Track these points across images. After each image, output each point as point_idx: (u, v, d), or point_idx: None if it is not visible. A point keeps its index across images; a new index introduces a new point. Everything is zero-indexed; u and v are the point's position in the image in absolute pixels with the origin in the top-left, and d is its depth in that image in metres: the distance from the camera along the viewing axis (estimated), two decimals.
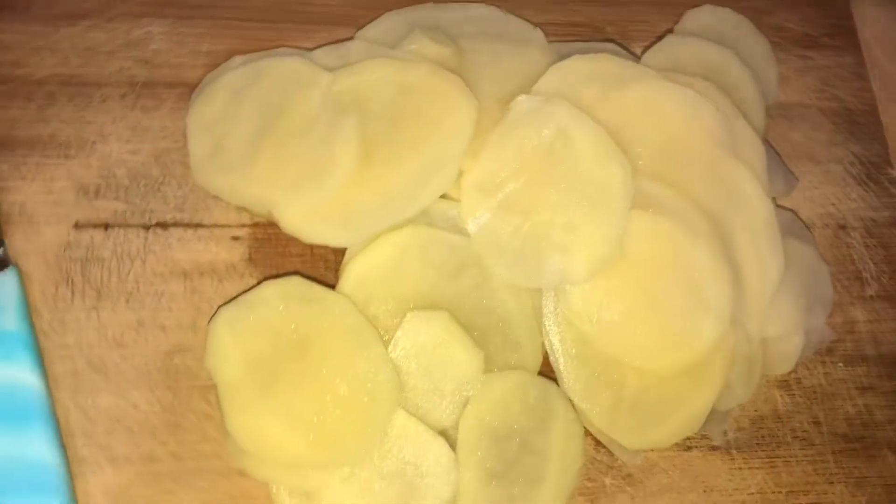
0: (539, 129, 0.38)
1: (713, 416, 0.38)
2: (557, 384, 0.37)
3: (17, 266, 0.35)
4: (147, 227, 0.38)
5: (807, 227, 0.44)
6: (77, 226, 0.37)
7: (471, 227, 0.37)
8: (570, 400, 0.37)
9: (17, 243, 0.36)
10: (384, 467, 0.34)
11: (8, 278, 0.34)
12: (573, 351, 0.37)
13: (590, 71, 0.41)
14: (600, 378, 0.37)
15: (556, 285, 0.37)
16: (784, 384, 0.41)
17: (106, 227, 0.37)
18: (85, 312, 0.36)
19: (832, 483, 0.40)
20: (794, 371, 0.41)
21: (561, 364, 0.37)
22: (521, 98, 0.39)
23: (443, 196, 0.38)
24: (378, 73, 0.39)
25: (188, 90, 0.41)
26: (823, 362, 0.42)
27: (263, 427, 0.33)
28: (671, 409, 0.38)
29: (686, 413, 0.38)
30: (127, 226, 0.38)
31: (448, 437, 0.35)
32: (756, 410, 0.40)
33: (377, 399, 0.34)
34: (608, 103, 0.40)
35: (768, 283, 0.40)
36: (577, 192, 0.38)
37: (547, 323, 0.37)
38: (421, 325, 0.36)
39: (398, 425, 0.34)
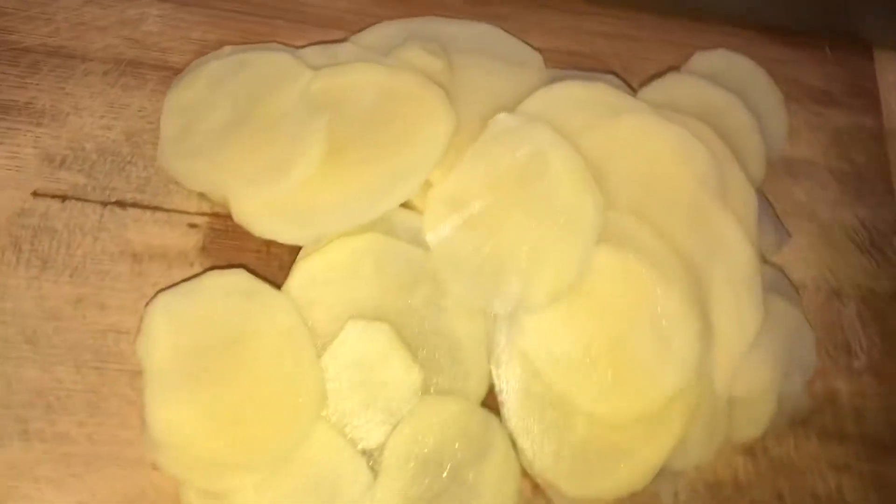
0: (515, 149, 0.37)
1: (665, 473, 0.36)
2: (500, 418, 0.35)
3: None
4: (105, 204, 0.37)
5: (797, 288, 0.42)
6: (35, 194, 0.37)
7: (431, 239, 0.36)
8: (510, 436, 0.35)
9: None
10: (299, 479, 0.32)
11: None
12: (521, 384, 0.35)
13: (581, 97, 0.40)
14: (547, 416, 0.35)
15: (512, 310, 0.35)
16: (749, 451, 0.39)
17: (64, 198, 0.37)
18: (26, 281, 0.35)
19: None
20: (762, 438, 0.38)
21: (506, 396, 0.35)
22: (502, 116, 0.37)
23: (409, 208, 0.37)
24: (361, 76, 0.39)
25: (172, 74, 0.40)
26: (796, 433, 0.39)
27: (181, 420, 0.32)
28: (620, 458, 0.35)
29: (635, 465, 0.35)
30: (85, 200, 0.37)
31: (374, 458, 0.33)
32: (714, 474, 0.38)
33: (300, 406, 0.32)
34: (595, 132, 0.39)
35: (743, 339, 0.37)
36: (546, 218, 0.36)
37: (497, 351, 0.35)
38: (361, 335, 0.34)
39: (320, 437, 0.33)
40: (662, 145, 0.39)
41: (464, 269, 0.35)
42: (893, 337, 0.42)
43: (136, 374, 0.34)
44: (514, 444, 0.35)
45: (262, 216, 0.35)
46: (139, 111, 0.39)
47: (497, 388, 0.35)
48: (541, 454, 0.35)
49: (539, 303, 0.35)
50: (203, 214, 0.38)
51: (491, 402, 0.35)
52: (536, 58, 0.44)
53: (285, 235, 0.36)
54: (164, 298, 0.34)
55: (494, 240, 0.36)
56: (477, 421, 0.35)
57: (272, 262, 0.37)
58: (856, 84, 0.49)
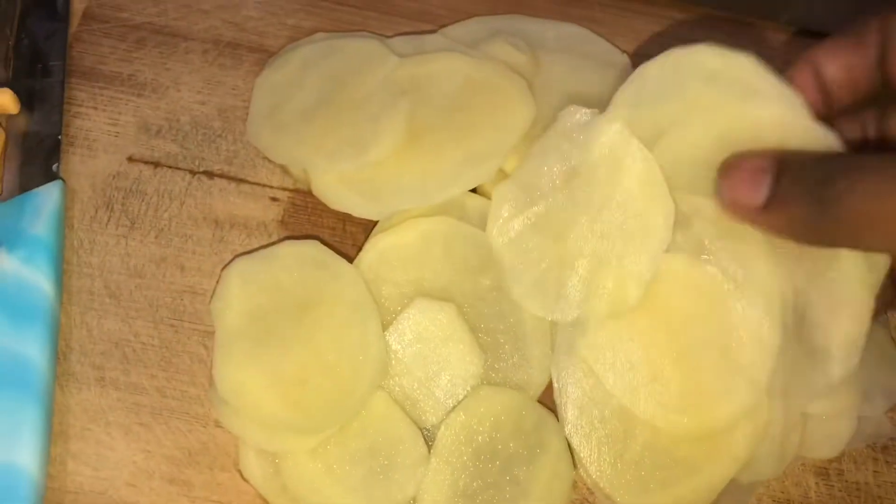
0: (585, 147, 0.35)
1: (731, 488, 0.34)
2: (557, 418, 0.34)
3: (64, 182, 0.37)
4: (193, 173, 0.39)
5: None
6: (131, 159, 0.39)
7: (495, 239, 0.36)
8: (566, 439, 0.34)
9: (73, 164, 0.38)
10: (355, 447, 0.33)
11: (52, 190, 0.36)
12: (581, 389, 0.34)
13: (712, 69, 0.33)
14: (606, 425, 0.34)
15: (573, 319, 0.35)
16: (822, 472, 0.37)
17: (156, 165, 0.39)
18: (115, 238, 0.37)
19: None
20: (838, 460, 0.37)
21: (565, 400, 0.34)
22: (573, 108, 0.36)
23: (483, 194, 0.37)
24: (444, 64, 0.39)
25: (267, 56, 0.42)
26: (876, 459, 0.37)
27: (246, 380, 0.33)
28: (681, 474, 0.34)
29: (698, 483, 0.34)
30: (176, 168, 0.39)
31: (431, 435, 0.33)
32: (784, 493, 0.36)
33: (360, 374, 0.33)
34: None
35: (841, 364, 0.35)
36: (614, 224, 0.34)
37: (558, 353, 0.35)
38: (427, 314, 0.34)
39: (379, 409, 0.33)
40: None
41: (526, 274, 0.35)
42: None
43: (209, 334, 0.35)
44: (569, 447, 0.34)
45: (338, 190, 0.36)
46: (233, 89, 0.41)
47: (555, 391, 0.34)
48: (597, 462, 0.34)
49: (601, 314, 0.34)
50: (285, 189, 0.39)
51: (549, 400, 0.35)
52: (623, 59, 0.43)
53: (358, 209, 0.36)
54: (239, 263, 0.35)
55: (559, 244, 0.35)
56: (533, 418, 0.34)
57: (346, 240, 0.38)
58: None
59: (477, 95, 0.38)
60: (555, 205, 0.36)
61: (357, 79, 0.39)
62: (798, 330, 0.34)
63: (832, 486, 0.36)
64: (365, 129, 0.37)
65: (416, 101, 0.38)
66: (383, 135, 0.37)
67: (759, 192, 0.29)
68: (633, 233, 0.34)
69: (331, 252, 0.35)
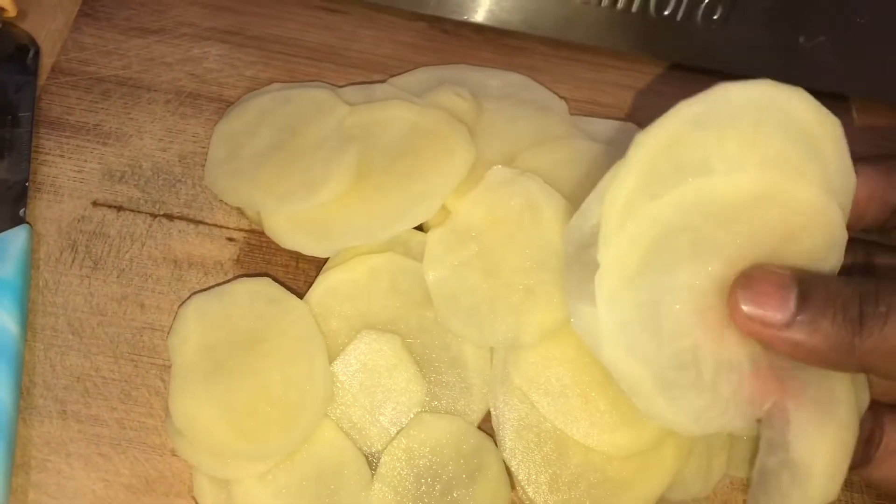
0: (510, 198, 0.39)
1: None
2: (496, 443, 0.36)
3: (31, 226, 0.39)
4: (154, 216, 0.41)
5: None
6: (95, 203, 0.41)
7: (430, 278, 0.38)
8: (505, 462, 0.36)
9: (40, 209, 0.40)
10: (302, 472, 0.34)
11: (19, 234, 0.38)
12: (516, 414, 0.36)
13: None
14: (542, 447, 0.36)
15: (507, 346, 0.37)
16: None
17: (119, 208, 0.41)
18: (79, 279, 0.39)
19: None
20: None
21: (502, 425, 0.36)
22: (497, 168, 0.40)
23: (426, 231, 0.40)
24: (391, 112, 0.42)
25: (226, 105, 0.45)
26: None
27: (199, 411, 0.35)
28: (614, 492, 0.36)
29: (629, 500, 0.36)
30: (137, 211, 0.41)
31: (376, 460, 0.35)
32: None
33: (307, 404, 0.35)
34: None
35: None
36: (540, 261, 0.38)
37: (494, 381, 0.37)
38: (372, 345, 0.37)
39: (326, 436, 0.35)
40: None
41: (460, 307, 0.37)
42: None
43: (166, 368, 0.37)
44: (507, 469, 0.36)
45: (289, 230, 0.39)
46: (193, 136, 0.44)
47: (493, 416, 0.37)
48: (534, 483, 0.36)
49: (532, 339, 0.36)
50: (241, 230, 0.41)
51: (489, 426, 0.37)
52: (561, 105, 0.46)
53: (308, 248, 0.39)
54: (195, 300, 0.38)
55: (490, 280, 0.38)
56: (472, 442, 0.36)
57: (299, 277, 0.40)
58: (885, 147, 0.50)
59: (421, 141, 0.41)
60: (484, 247, 0.39)
61: (309, 126, 0.42)
62: (781, 436, 0.32)
63: None
64: (315, 173, 0.40)
65: (364, 146, 0.41)
66: (332, 178, 0.39)
67: (785, 308, 0.28)
68: (555, 268, 0.37)
69: (281, 288, 0.38)
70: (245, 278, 0.38)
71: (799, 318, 0.28)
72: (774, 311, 0.28)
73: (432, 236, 0.39)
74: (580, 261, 0.33)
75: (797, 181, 0.31)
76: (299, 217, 0.39)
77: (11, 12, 0.44)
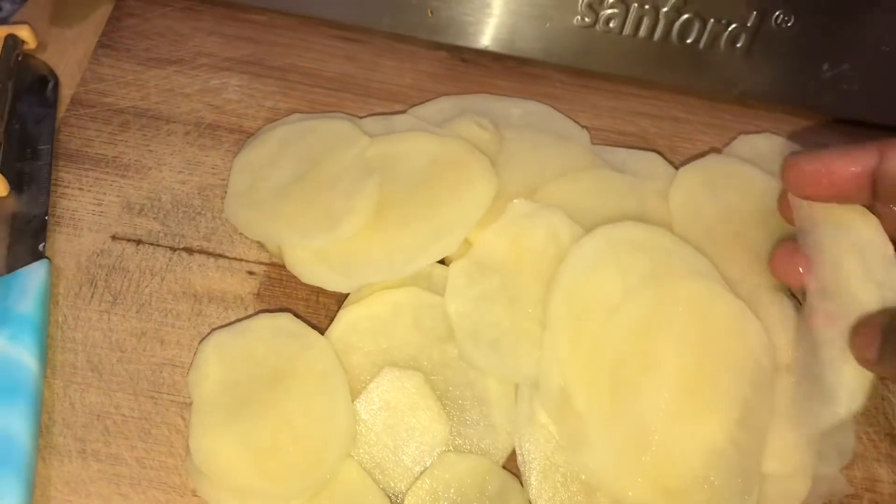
0: (533, 230, 0.39)
1: None
2: (521, 482, 0.36)
3: (50, 260, 0.39)
4: (174, 250, 0.41)
5: None
6: (114, 237, 0.41)
7: (452, 310, 0.37)
8: (530, 503, 0.35)
9: (59, 243, 0.40)
10: None
11: (38, 269, 0.38)
12: (543, 453, 0.35)
13: (640, 241, 0.39)
14: (568, 488, 0.35)
15: (531, 382, 0.36)
16: None
17: (139, 242, 0.41)
18: (98, 314, 0.39)
19: None
20: None
21: (527, 465, 0.35)
22: (518, 201, 0.40)
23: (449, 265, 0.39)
24: (411, 143, 0.42)
25: (245, 137, 0.44)
26: None
27: (220, 449, 0.34)
28: None
29: None
30: (157, 245, 0.41)
31: (399, 501, 0.35)
32: None
33: (329, 443, 0.34)
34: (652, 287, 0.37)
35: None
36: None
37: (519, 419, 0.36)
38: (394, 382, 0.36)
39: (349, 476, 0.34)
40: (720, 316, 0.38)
41: (483, 341, 0.37)
42: None
43: (187, 405, 0.37)
44: None
45: (310, 264, 0.38)
46: (212, 168, 0.43)
47: (518, 455, 0.36)
48: None
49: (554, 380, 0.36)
50: (261, 263, 0.41)
51: (515, 465, 0.36)
52: (583, 134, 0.46)
53: (330, 283, 0.38)
54: (216, 335, 0.37)
55: (513, 314, 0.37)
56: (497, 482, 0.35)
57: (319, 311, 0.40)
58: None
59: (442, 172, 0.41)
60: (507, 278, 0.38)
61: (330, 158, 0.42)
62: (810, 366, 0.36)
63: None
64: (336, 206, 0.39)
65: (385, 178, 0.40)
66: (354, 211, 0.39)
67: (871, 350, 0.34)
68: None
69: (302, 323, 0.37)
70: (266, 314, 0.38)
71: (881, 356, 0.34)
72: (865, 353, 0.34)
73: (454, 269, 0.38)
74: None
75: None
76: (321, 251, 0.38)
77: (31, 44, 0.44)
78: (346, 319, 0.38)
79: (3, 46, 0.43)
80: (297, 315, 0.38)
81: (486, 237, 0.39)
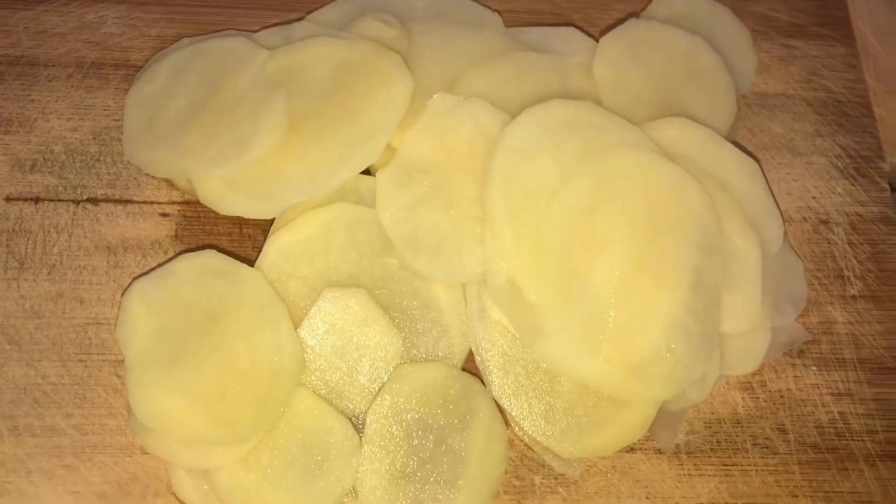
0: (458, 126, 0.37)
1: (662, 417, 0.35)
2: (483, 383, 0.35)
3: None
4: (77, 202, 0.38)
5: (784, 219, 0.41)
6: (8, 199, 0.37)
7: (386, 221, 0.35)
8: (495, 401, 0.34)
9: None
10: (285, 448, 0.32)
11: None
12: (500, 349, 0.34)
13: (570, 120, 0.37)
14: (531, 380, 0.34)
15: (479, 280, 0.35)
16: (746, 386, 0.38)
17: (37, 200, 0.37)
18: (6, 283, 0.36)
19: (796, 497, 0.36)
20: (759, 373, 0.38)
21: (487, 363, 0.34)
22: (437, 97, 0.37)
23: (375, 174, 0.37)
24: (315, 51, 0.39)
25: (134, 71, 0.41)
26: (794, 365, 0.39)
27: (165, 402, 0.32)
28: (612, 413, 0.35)
29: (629, 418, 0.35)
30: (58, 200, 0.38)
31: (361, 422, 0.33)
32: (712, 413, 0.37)
33: (278, 376, 0.32)
34: (588, 167, 0.36)
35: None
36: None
37: (471, 319, 0.35)
38: (337, 303, 0.34)
39: (303, 405, 0.33)
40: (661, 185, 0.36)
41: (423, 248, 0.35)
42: (886, 260, 0.41)
43: (119, 363, 0.35)
44: (499, 408, 0.34)
45: (226, 194, 0.36)
46: (104, 110, 0.40)
47: (476, 358, 0.35)
48: (529, 417, 0.34)
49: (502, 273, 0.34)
50: (173, 203, 0.38)
51: (473, 366, 0.35)
52: (496, 18, 0.43)
53: (250, 211, 0.36)
54: (138, 285, 0.34)
55: (450, 214, 0.35)
56: (459, 386, 0.34)
57: (245, 243, 0.38)
58: (826, 13, 0.48)
59: (353, 77, 0.38)
60: (438, 178, 0.36)
61: (228, 80, 0.38)
62: None
63: (757, 398, 0.38)
64: (244, 129, 0.36)
65: (292, 92, 0.37)
66: (263, 131, 0.36)
67: None
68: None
69: (228, 259, 0.35)
70: (187, 254, 0.35)
71: None
72: None
73: (381, 177, 0.36)
74: None
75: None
76: (235, 179, 0.36)
77: None
78: (275, 247, 0.35)
79: None
80: (221, 251, 0.35)
81: (410, 139, 0.37)
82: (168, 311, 0.34)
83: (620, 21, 0.44)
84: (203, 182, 0.36)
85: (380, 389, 0.34)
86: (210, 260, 0.35)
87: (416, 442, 0.33)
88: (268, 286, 0.34)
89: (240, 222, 0.37)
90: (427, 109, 0.37)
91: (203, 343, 0.33)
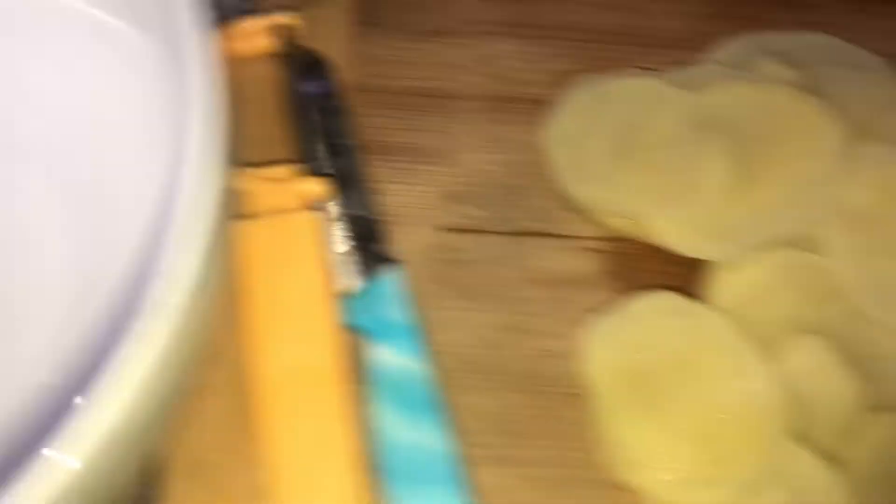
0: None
1: None
2: None
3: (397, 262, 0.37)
4: (506, 234, 0.39)
5: None
6: (443, 229, 0.38)
7: (839, 270, 0.36)
8: None
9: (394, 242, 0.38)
10: (771, 497, 0.33)
11: (394, 273, 0.36)
12: None
13: None
14: None
15: None
16: None
17: (468, 232, 0.39)
18: (452, 312, 0.37)
19: None
20: None
21: None
22: (872, 146, 0.38)
23: None
24: (738, 95, 0.39)
25: (537, 106, 0.42)
26: None
27: (648, 440, 0.33)
28: None
29: None
30: (487, 232, 0.39)
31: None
32: None
33: (764, 418, 0.33)
34: None
35: None
36: None
37: None
38: (800, 351, 0.34)
39: (787, 455, 0.33)
40: None
41: (885, 295, 0.35)
42: None
43: (573, 395, 0.35)
44: None
45: (684, 235, 0.36)
46: (517, 144, 0.41)
47: None
48: None
49: None
50: (598, 239, 0.39)
51: None
52: (879, 62, 0.44)
53: (708, 253, 0.36)
54: (598, 324, 0.35)
55: None
56: None
57: (688, 284, 0.38)
58: None
59: (776, 122, 0.39)
60: (887, 229, 0.36)
61: (649, 120, 0.39)
62: None
63: None
64: (687, 170, 0.37)
65: (721, 135, 0.38)
66: (710, 172, 0.37)
67: None
68: None
69: (686, 300, 0.35)
70: (645, 293, 0.36)
71: None
72: None
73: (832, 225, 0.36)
74: None
75: None
76: (690, 219, 0.36)
77: (300, 31, 0.41)
78: (729, 290, 0.36)
79: (280, 41, 0.40)
80: (667, 289, 0.36)
81: (851, 190, 0.37)
82: (635, 350, 0.35)
83: None
84: (658, 222, 0.37)
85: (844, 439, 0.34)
86: (671, 301, 0.35)
87: None
88: (734, 330, 0.35)
89: (674, 262, 0.38)
90: (865, 157, 0.37)
91: (678, 383, 0.34)
